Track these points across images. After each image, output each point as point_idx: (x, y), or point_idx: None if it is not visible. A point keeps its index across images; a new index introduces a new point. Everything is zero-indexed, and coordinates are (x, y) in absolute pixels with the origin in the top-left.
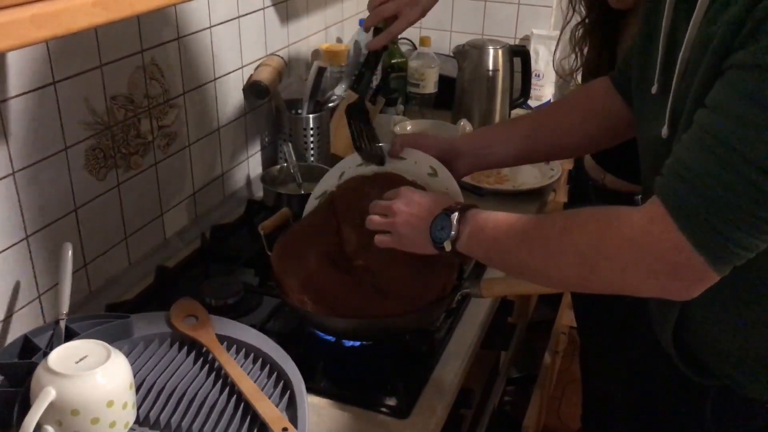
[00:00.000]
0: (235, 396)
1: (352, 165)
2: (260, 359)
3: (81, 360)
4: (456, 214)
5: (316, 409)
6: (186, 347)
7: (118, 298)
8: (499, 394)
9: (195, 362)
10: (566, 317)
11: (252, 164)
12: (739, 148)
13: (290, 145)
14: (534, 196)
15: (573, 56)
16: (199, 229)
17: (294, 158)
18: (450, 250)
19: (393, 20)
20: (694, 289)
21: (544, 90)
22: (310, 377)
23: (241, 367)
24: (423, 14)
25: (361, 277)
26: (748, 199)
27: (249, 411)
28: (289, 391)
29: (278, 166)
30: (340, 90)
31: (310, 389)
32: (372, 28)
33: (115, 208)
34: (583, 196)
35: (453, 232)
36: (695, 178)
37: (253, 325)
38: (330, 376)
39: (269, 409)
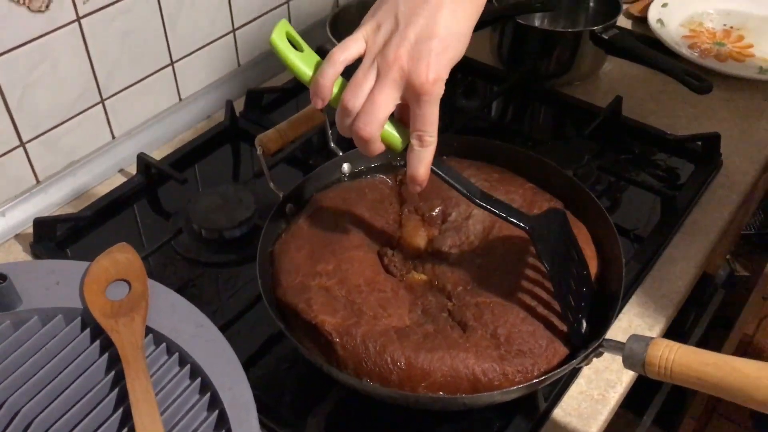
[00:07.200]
0: None
1: None
2: (208, 391)
3: None
4: None
5: None
6: (99, 340)
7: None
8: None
9: (106, 373)
10: None
11: None
12: None
13: None
14: None
15: None
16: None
17: None
18: None
19: None
20: None
21: None
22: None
23: (171, 393)
24: None
25: (426, 301)
26: None
27: None
28: None
29: None
30: None
31: None
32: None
33: (75, 55)
34: None
35: None
36: None
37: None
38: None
39: None
